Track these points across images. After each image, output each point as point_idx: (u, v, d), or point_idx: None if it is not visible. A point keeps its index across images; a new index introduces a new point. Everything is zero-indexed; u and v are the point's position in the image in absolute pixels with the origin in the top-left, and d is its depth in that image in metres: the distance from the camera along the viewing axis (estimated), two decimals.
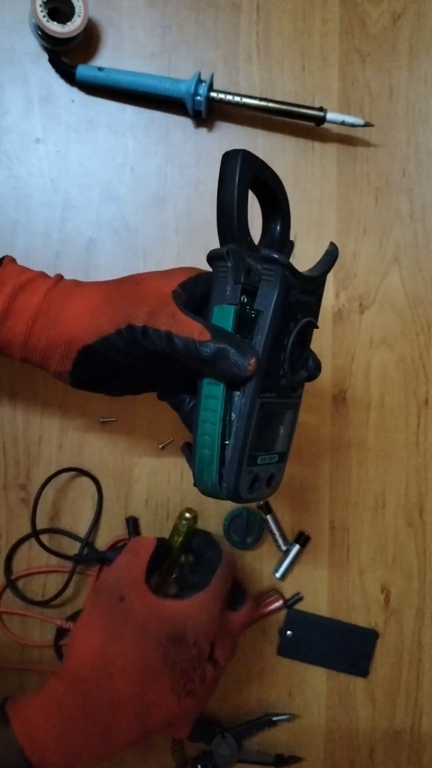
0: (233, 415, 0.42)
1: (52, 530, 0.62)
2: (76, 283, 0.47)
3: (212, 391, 0.42)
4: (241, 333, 0.42)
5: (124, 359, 0.44)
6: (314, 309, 0.46)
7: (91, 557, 0.61)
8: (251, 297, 0.42)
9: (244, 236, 0.42)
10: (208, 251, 0.43)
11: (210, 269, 0.44)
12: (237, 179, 0.41)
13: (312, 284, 0.44)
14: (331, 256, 0.46)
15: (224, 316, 0.42)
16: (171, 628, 0.47)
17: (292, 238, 0.47)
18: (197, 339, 0.40)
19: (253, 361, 0.40)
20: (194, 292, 0.45)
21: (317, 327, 0.46)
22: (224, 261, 0.42)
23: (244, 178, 0.41)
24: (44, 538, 0.62)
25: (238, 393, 0.41)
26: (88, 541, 0.62)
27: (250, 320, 0.42)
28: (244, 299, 0.42)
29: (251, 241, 0.43)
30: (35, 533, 0.60)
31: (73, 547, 0.62)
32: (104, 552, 0.62)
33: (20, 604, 0.62)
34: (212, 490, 0.43)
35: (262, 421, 0.42)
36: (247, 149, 0.42)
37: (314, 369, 0.47)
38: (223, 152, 0.42)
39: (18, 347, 0.46)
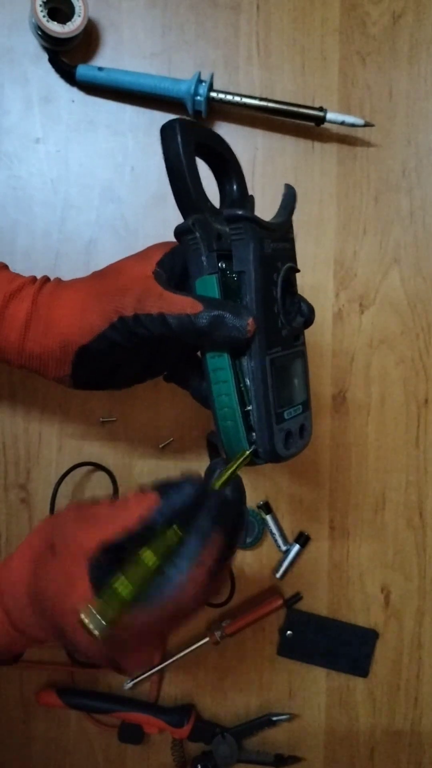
0: (246, 380, 0.41)
1: None
2: (59, 285, 0.47)
3: (218, 363, 0.41)
4: (229, 298, 0.41)
5: (123, 352, 0.44)
6: (291, 254, 0.45)
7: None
8: (228, 261, 0.41)
9: (204, 203, 0.42)
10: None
11: None
12: (181, 148, 0.40)
13: (281, 230, 0.44)
14: (289, 197, 0.46)
15: (208, 287, 0.41)
16: (63, 621, 0.38)
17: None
18: (190, 312, 0.40)
19: (250, 320, 0.40)
20: (173, 267, 0.44)
21: (299, 271, 0.45)
22: (192, 233, 0.41)
23: (188, 146, 0.41)
24: None
25: (245, 357, 0.41)
26: None
27: (235, 284, 0.41)
28: (222, 265, 0.41)
29: (213, 206, 0.43)
30: None
31: None
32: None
33: None
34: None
35: (277, 377, 0.42)
36: (222, 136, 0.42)
37: (308, 312, 0.46)
38: (160, 126, 0.41)
39: (14, 355, 0.46)
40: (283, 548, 0.65)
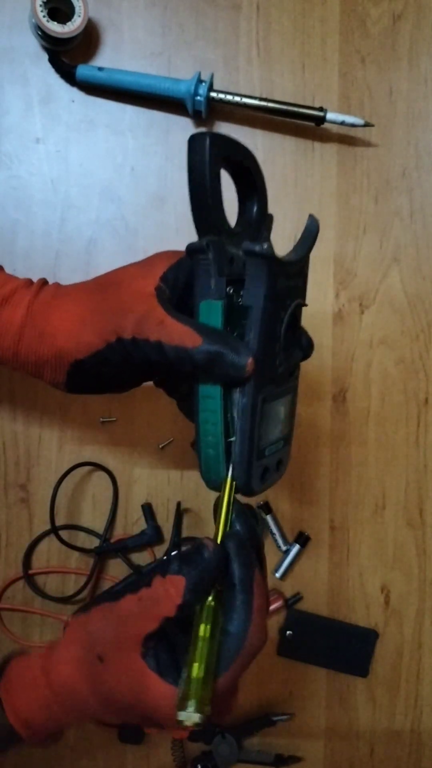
0: (234, 412, 0.40)
1: (69, 526, 0.62)
2: (57, 293, 0.45)
3: (210, 391, 0.40)
4: (232, 326, 0.40)
5: (117, 369, 0.43)
6: (302, 290, 0.44)
7: (111, 548, 0.62)
8: (238, 286, 0.40)
9: (222, 225, 0.40)
10: None
11: None
12: (208, 165, 0.38)
13: (297, 267, 0.42)
14: (311, 231, 0.44)
15: (212, 312, 0.40)
16: (148, 714, 0.39)
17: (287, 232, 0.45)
18: (189, 345, 0.38)
19: (250, 361, 0.38)
20: (177, 281, 0.42)
21: (306, 305, 0.44)
22: (205, 253, 0.39)
23: (215, 164, 0.39)
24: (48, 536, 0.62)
25: (237, 391, 0.40)
26: (106, 537, 0.62)
27: (240, 311, 0.40)
28: (230, 290, 0.40)
29: (230, 228, 0.42)
30: (54, 529, 0.60)
31: (82, 543, 0.62)
32: (123, 541, 0.62)
33: (19, 601, 0.62)
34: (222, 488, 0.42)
35: (265, 415, 0.41)
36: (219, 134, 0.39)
37: (308, 347, 0.45)
38: (189, 136, 0.39)
39: (9, 360, 0.45)
40: (283, 548, 0.65)
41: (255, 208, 0.44)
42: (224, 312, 0.40)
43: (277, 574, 0.65)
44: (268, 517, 0.64)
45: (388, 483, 0.66)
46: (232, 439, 0.41)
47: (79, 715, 0.42)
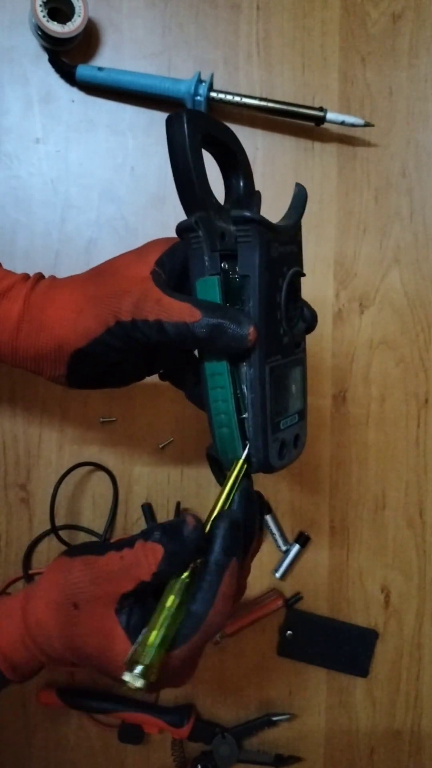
0: (244, 387, 0.40)
1: (69, 526, 0.62)
2: (53, 284, 0.46)
3: (216, 368, 0.40)
4: (231, 301, 0.40)
5: (120, 354, 0.43)
6: (297, 257, 0.44)
7: (120, 541, 0.62)
8: (232, 261, 0.40)
9: (209, 200, 0.40)
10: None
11: None
12: (187, 140, 0.38)
13: (290, 233, 0.42)
14: (300, 198, 0.44)
15: (209, 288, 0.39)
16: (108, 669, 0.40)
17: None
18: (188, 321, 0.38)
19: (252, 329, 0.38)
20: (173, 265, 0.42)
21: (304, 275, 0.44)
22: (195, 231, 0.39)
23: (195, 139, 0.39)
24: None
25: (244, 364, 0.40)
26: (106, 537, 0.62)
27: (237, 285, 0.40)
28: (224, 265, 0.39)
29: (217, 203, 0.41)
30: (54, 529, 0.60)
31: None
32: (123, 540, 0.62)
33: None
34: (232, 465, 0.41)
35: (275, 386, 0.41)
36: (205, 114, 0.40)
37: (311, 318, 0.45)
38: (166, 116, 0.40)
39: (8, 356, 0.45)
40: (283, 548, 0.65)
41: (241, 183, 0.44)
42: (221, 286, 0.39)
43: (277, 574, 0.65)
44: (268, 517, 0.64)
45: (388, 483, 0.66)
46: (245, 416, 0.40)
47: (47, 653, 0.42)
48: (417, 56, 0.66)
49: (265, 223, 0.39)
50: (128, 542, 0.40)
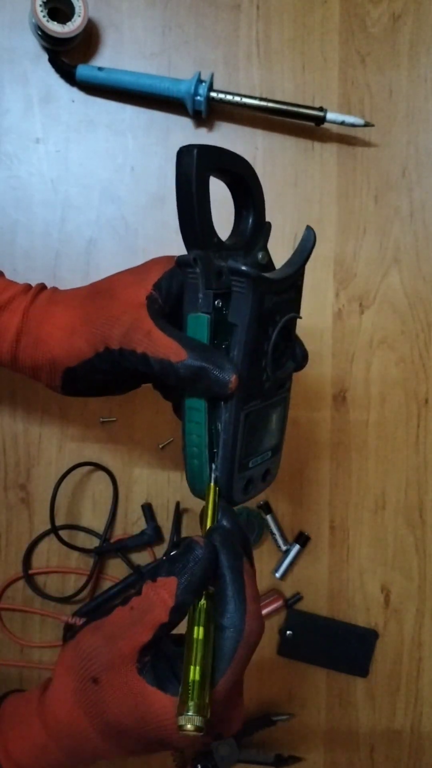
0: (219, 425, 0.41)
1: (68, 526, 0.63)
2: (52, 299, 0.46)
3: (195, 403, 0.41)
4: (219, 339, 0.40)
5: (109, 376, 0.44)
6: (295, 303, 0.43)
7: (111, 548, 0.62)
8: (226, 300, 0.40)
9: (209, 239, 0.40)
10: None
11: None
12: (194, 177, 0.38)
13: (289, 282, 0.42)
14: (307, 244, 0.43)
15: (199, 326, 0.40)
16: (153, 734, 0.36)
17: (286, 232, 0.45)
18: (173, 360, 0.38)
19: (233, 378, 0.38)
20: (170, 289, 0.42)
21: (300, 318, 0.44)
22: (192, 267, 0.40)
23: (202, 177, 0.39)
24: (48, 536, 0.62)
25: (221, 406, 0.40)
26: (106, 537, 0.62)
27: (227, 325, 0.40)
28: (218, 303, 0.40)
29: (219, 241, 0.42)
30: (54, 529, 0.60)
31: (82, 543, 0.62)
32: (123, 541, 0.62)
33: (19, 601, 0.62)
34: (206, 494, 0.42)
35: (249, 429, 0.42)
36: (207, 145, 0.39)
37: (302, 358, 0.45)
38: (178, 149, 0.39)
39: (8, 364, 0.46)
40: (283, 548, 0.65)
41: (250, 219, 0.44)
42: (210, 326, 0.40)
43: (277, 574, 0.65)
44: (268, 517, 0.64)
45: (388, 483, 0.66)
46: (216, 450, 0.41)
47: (80, 755, 0.39)
48: (417, 56, 0.66)
49: (259, 278, 0.39)
50: (134, 591, 0.38)
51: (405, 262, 0.66)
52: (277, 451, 0.46)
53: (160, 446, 0.64)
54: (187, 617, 0.37)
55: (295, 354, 0.44)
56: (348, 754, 0.67)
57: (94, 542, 0.63)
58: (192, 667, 0.34)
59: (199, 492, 0.43)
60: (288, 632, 0.65)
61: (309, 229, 0.43)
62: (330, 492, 0.66)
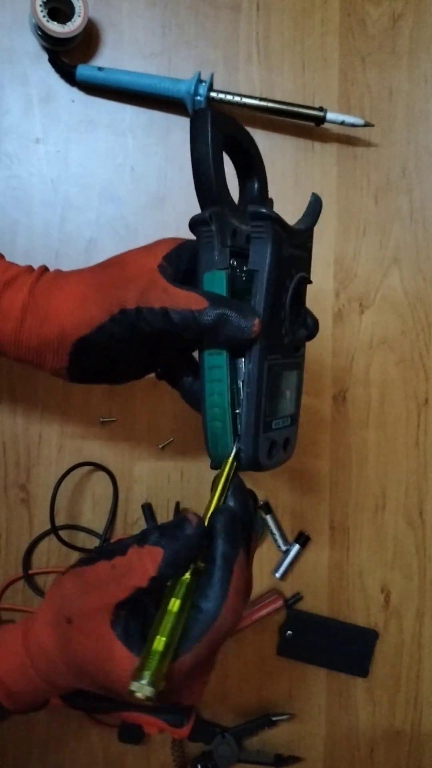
0: (240, 382, 0.40)
1: (68, 526, 0.62)
2: (59, 274, 0.46)
3: (215, 360, 0.40)
4: (236, 298, 0.40)
5: (122, 345, 0.43)
6: (306, 263, 0.44)
7: (112, 548, 0.62)
8: (240, 259, 0.40)
9: (225, 196, 0.41)
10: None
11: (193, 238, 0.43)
12: (210, 138, 0.39)
13: (301, 237, 0.43)
14: (315, 206, 0.45)
15: (216, 282, 0.40)
16: (109, 684, 0.38)
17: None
18: (194, 309, 0.38)
19: (256, 321, 0.38)
20: (179, 263, 0.42)
21: (311, 282, 0.44)
22: (208, 225, 0.40)
23: (218, 137, 0.40)
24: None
25: (243, 359, 0.40)
26: (106, 537, 0.63)
27: (244, 283, 0.40)
28: (233, 263, 0.40)
29: (233, 201, 0.42)
30: (54, 529, 0.60)
31: (82, 543, 0.62)
32: (124, 540, 0.62)
33: (19, 601, 0.62)
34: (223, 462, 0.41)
35: (271, 385, 0.41)
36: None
37: (313, 326, 0.45)
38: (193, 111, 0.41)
39: (10, 346, 0.44)
40: (283, 548, 0.65)
41: (256, 187, 0.45)
42: (228, 282, 0.40)
43: (277, 574, 0.65)
44: (268, 517, 0.64)
45: (388, 483, 0.66)
46: (239, 411, 0.40)
47: (52, 680, 0.41)
48: (417, 56, 0.66)
49: (280, 220, 0.40)
50: (120, 549, 0.38)
51: (405, 262, 0.66)
52: (295, 420, 0.45)
53: (160, 446, 0.64)
54: (169, 585, 0.37)
55: (306, 322, 0.45)
56: (348, 754, 0.67)
57: (94, 542, 0.63)
58: (158, 637, 0.35)
59: (221, 459, 0.41)
60: (288, 632, 0.65)
61: (315, 195, 0.45)
62: (330, 492, 0.66)
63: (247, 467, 0.41)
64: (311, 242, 0.44)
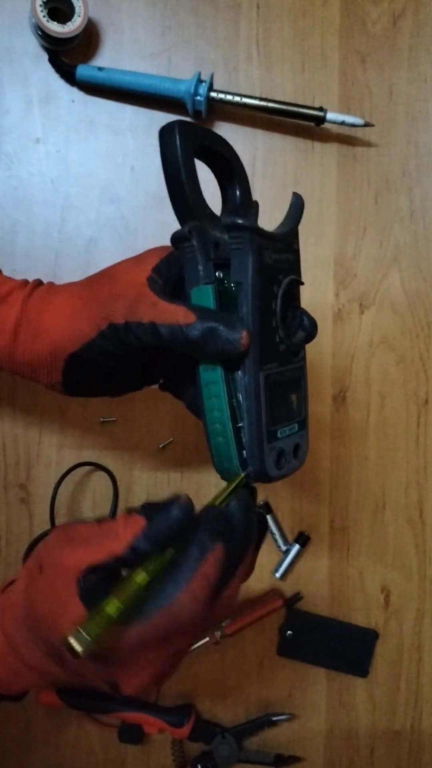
0: (239, 396, 0.40)
1: None
2: (51, 289, 0.46)
3: (211, 376, 0.40)
4: (226, 310, 0.40)
5: (113, 360, 0.43)
6: (294, 266, 0.44)
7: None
8: (226, 270, 0.40)
9: (202, 210, 0.41)
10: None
11: None
12: (179, 151, 0.39)
13: (284, 241, 0.42)
14: (296, 206, 0.44)
15: (203, 297, 0.40)
16: (54, 638, 0.37)
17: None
18: (182, 323, 0.38)
19: (244, 333, 0.38)
20: (169, 274, 0.42)
21: (302, 283, 0.44)
22: (189, 241, 0.40)
23: (187, 150, 0.39)
24: None
25: (239, 372, 0.40)
26: None
27: (231, 295, 0.40)
28: (219, 275, 0.40)
29: (212, 213, 0.42)
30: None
31: None
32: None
33: None
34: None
35: (272, 394, 0.41)
36: (222, 135, 0.40)
37: (311, 327, 0.44)
38: (159, 128, 0.40)
39: (5, 362, 0.45)
40: (283, 548, 0.65)
41: (237, 195, 0.45)
42: (215, 295, 0.40)
43: (277, 574, 0.65)
44: (268, 517, 0.64)
45: (388, 483, 0.66)
46: (241, 425, 0.40)
47: (12, 640, 0.40)
48: (417, 56, 0.66)
49: (257, 229, 0.39)
50: (113, 517, 0.39)
51: (405, 262, 0.66)
52: (304, 425, 0.45)
53: (160, 446, 0.64)
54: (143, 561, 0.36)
55: (303, 323, 0.44)
56: (348, 754, 0.67)
57: None
58: (114, 600, 0.34)
59: (228, 473, 0.41)
60: (288, 632, 0.65)
61: (296, 194, 0.45)
62: (330, 492, 0.66)
63: (256, 480, 0.41)
64: (297, 243, 0.44)
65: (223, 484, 0.41)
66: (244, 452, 0.40)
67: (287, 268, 0.43)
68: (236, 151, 0.44)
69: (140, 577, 0.35)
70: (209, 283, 0.40)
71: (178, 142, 0.39)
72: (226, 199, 0.45)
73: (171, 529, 0.36)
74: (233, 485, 0.40)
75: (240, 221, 0.39)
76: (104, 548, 0.36)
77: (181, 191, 0.40)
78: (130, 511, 0.38)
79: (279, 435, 0.42)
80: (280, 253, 0.42)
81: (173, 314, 0.39)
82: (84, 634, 0.33)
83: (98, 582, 0.36)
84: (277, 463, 0.41)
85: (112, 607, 0.34)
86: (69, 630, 0.34)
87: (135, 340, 0.40)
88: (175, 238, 0.41)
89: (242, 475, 0.40)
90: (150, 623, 0.35)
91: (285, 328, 0.42)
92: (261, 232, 0.40)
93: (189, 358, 0.42)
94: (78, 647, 0.33)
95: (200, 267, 0.40)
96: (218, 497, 0.39)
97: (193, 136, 0.40)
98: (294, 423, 0.43)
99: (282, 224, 0.44)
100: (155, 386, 0.52)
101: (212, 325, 0.38)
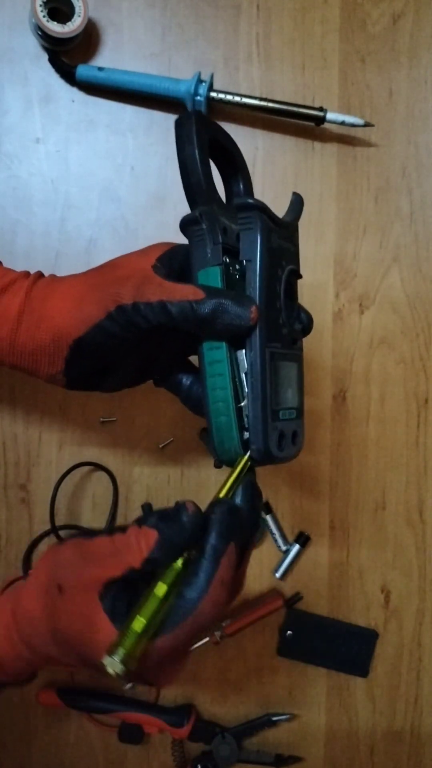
0: (243, 374, 0.41)
1: (68, 526, 0.62)
2: (55, 278, 0.46)
3: (216, 355, 0.41)
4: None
5: (119, 345, 0.43)
6: (294, 257, 0.45)
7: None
8: (232, 256, 0.41)
9: (213, 195, 0.42)
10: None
11: (185, 242, 0.43)
12: (196, 139, 0.41)
13: (288, 230, 0.44)
14: (296, 203, 0.46)
15: (211, 278, 0.41)
16: (89, 656, 0.38)
17: None
18: (192, 299, 0.39)
19: (253, 308, 0.39)
20: (172, 265, 0.44)
21: (301, 276, 0.45)
22: (198, 224, 0.41)
23: (203, 138, 0.41)
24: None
25: (243, 350, 0.41)
26: None
27: (237, 279, 0.41)
28: (226, 259, 0.41)
29: (220, 200, 0.43)
30: (54, 529, 0.60)
31: None
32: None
33: None
34: (238, 458, 0.41)
35: (274, 373, 0.41)
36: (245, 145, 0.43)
37: (307, 321, 0.46)
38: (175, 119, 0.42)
39: (5, 352, 0.44)
40: (283, 548, 0.65)
41: (241, 187, 0.46)
42: (223, 277, 0.41)
43: (277, 574, 0.65)
44: (268, 517, 0.64)
45: (388, 483, 0.66)
46: (243, 404, 0.41)
47: (32, 645, 0.41)
48: (417, 56, 0.66)
49: (266, 209, 0.41)
50: (122, 528, 0.39)
51: (405, 262, 0.66)
52: (300, 413, 0.45)
53: (160, 446, 0.64)
54: (159, 571, 0.38)
55: (300, 317, 0.45)
56: (348, 754, 0.67)
57: None
58: (139, 618, 0.36)
59: (228, 454, 0.41)
60: (288, 632, 0.65)
61: (296, 194, 0.47)
62: (330, 492, 0.66)
63: (259, 459, 0.41)
64: (297, 238, 0.46)
65: (223, 479, 0.40)
66: (246, 434, 0.41)
67: (289, 257, 0.44)
68: (239, 149, 0.45)
69: (160, 590, 0.36)
70: (217, 264, 0.41)
71: (195, 130, 0.41)
72: (231, 194, 0.47)
73: (183, 538, 0.37)
74: (238, 470, 0.40)
75: (251, 200, 0.41)
76: (121, 563, 0.38)
77: (196, 176, 0.41)
78: (138, 523, 0.38)
79: (281, 416, 0.42)
80: (285, 240, 0.43)
81: (182, 292, 0.40)
82: (118, 658, 0.35)
83: (117, 594, 0.37)
84: (279, 444, 0.42)
85: (139, 624, 0.35)
86: (102, 653, 0.35)
87: (143, 321, 0.41)
88: (185, 221, 0.42)
89: (245, 456, 0.41)
90: (176, 634, 0.37)
91: (287, 314, 0.43)
92: (269, 214, 0.41)
93: (186, 348, 0.42)
94: (113, 671, 0.34)
95: (209, 249, 0.41)
96: (225, 487, 0.40)
97: (207, 126, 0.42)
98: (292, 409, 0.44)
99: (286, 214, 0.45)
100: (155, 387, 0.52)
101: (221, 300, 0.39)
